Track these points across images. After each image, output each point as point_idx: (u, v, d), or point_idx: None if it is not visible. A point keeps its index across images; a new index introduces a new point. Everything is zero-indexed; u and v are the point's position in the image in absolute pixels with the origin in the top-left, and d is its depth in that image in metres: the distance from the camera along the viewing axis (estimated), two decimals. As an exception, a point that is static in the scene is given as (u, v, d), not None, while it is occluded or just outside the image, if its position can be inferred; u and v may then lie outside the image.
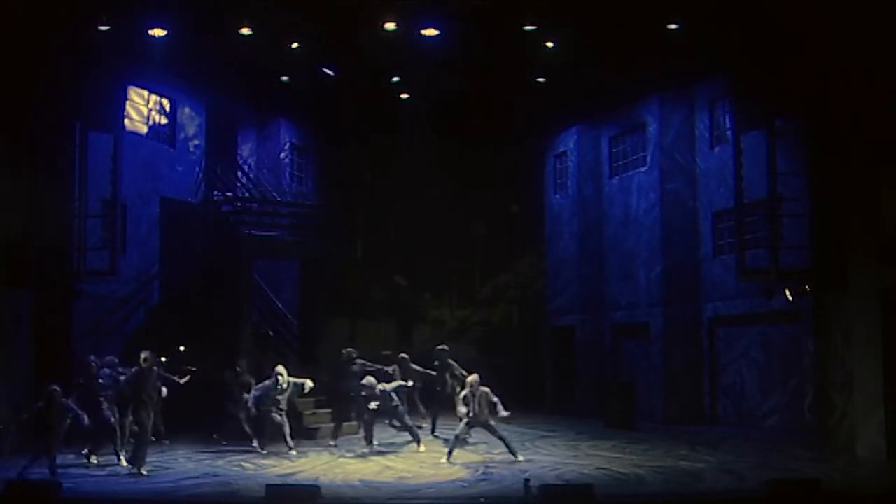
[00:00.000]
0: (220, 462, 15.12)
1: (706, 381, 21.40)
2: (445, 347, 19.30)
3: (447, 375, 18.64)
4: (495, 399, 15.32)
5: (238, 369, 17.41)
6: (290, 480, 13.41)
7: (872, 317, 15.63)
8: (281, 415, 16.40)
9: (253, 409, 16.49)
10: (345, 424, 18.10)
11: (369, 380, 16.58)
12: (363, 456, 16.02)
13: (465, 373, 17.60)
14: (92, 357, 15.61)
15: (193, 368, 16.84)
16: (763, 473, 13.15)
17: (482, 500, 11.95)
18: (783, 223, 17.31)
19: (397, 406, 16.56)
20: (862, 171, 15.86)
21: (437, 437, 18.11)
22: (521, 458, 15.20)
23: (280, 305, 22.33)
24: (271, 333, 21.59)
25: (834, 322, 16.57)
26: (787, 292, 17.36)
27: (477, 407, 15.21)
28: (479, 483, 13.24)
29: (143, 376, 14.44)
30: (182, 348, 17.44)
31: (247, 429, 16.73)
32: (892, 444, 15.15)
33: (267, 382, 16.50)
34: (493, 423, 15.35)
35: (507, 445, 15.35)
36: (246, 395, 16.79)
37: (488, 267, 28.09)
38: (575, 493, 11.71)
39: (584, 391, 24.15)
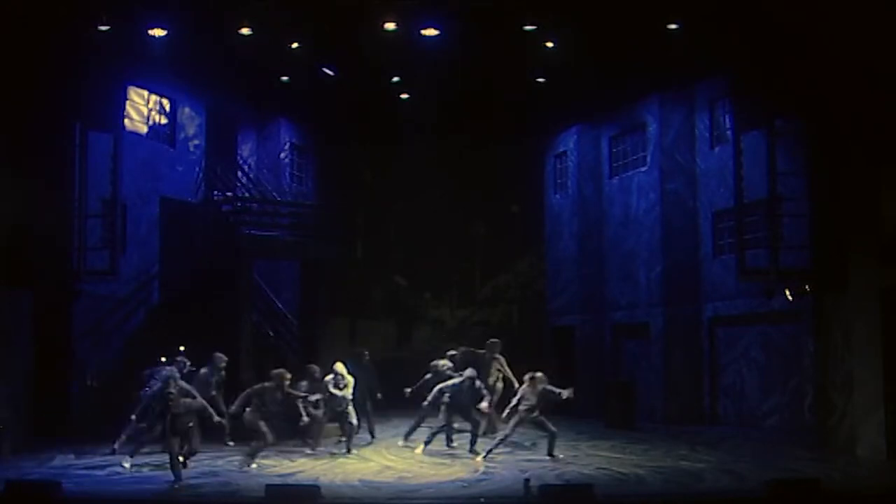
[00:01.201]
0: (220, 462, 15.10)
1: (706, 381, 21.39)
2: (497, 340, 19.16)
3: (494, 371, 18.42)
4: (555, 390, 15.64)
5: (315, 376, 17.30)
6: (290, 480, 13.40)
7: (872, 317, 15.62)
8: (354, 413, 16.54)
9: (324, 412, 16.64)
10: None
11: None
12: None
13: (511, 373, 18.13)
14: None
15: (194, 369, 16.83)
16: (763, 473, 13.14)
17: (482, 500, 11.95)
18: (783, 223, 17.29)
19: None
20: (862, 171, 15.85)
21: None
22: (560, 455, 15.25)
23: (280, 305, 22.30)
24: (271, 333, 21.57)
25: (834, 322, 16.55)
26: (787, 292, 17.34)
27: (535, 401, 15.35)
28: (479, 483, 13.23)
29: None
30: (182, 348, 17.41)
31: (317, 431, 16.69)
32: (892, 444, 15.15)
33: (328, 379, 16.56)
34: (543, 417, 15.49)
35: (550, 443, 15.45)
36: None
37: (488, 267, 28.04)
38: (575, 493, 11.71)
39: (584, 391, 24.01)
